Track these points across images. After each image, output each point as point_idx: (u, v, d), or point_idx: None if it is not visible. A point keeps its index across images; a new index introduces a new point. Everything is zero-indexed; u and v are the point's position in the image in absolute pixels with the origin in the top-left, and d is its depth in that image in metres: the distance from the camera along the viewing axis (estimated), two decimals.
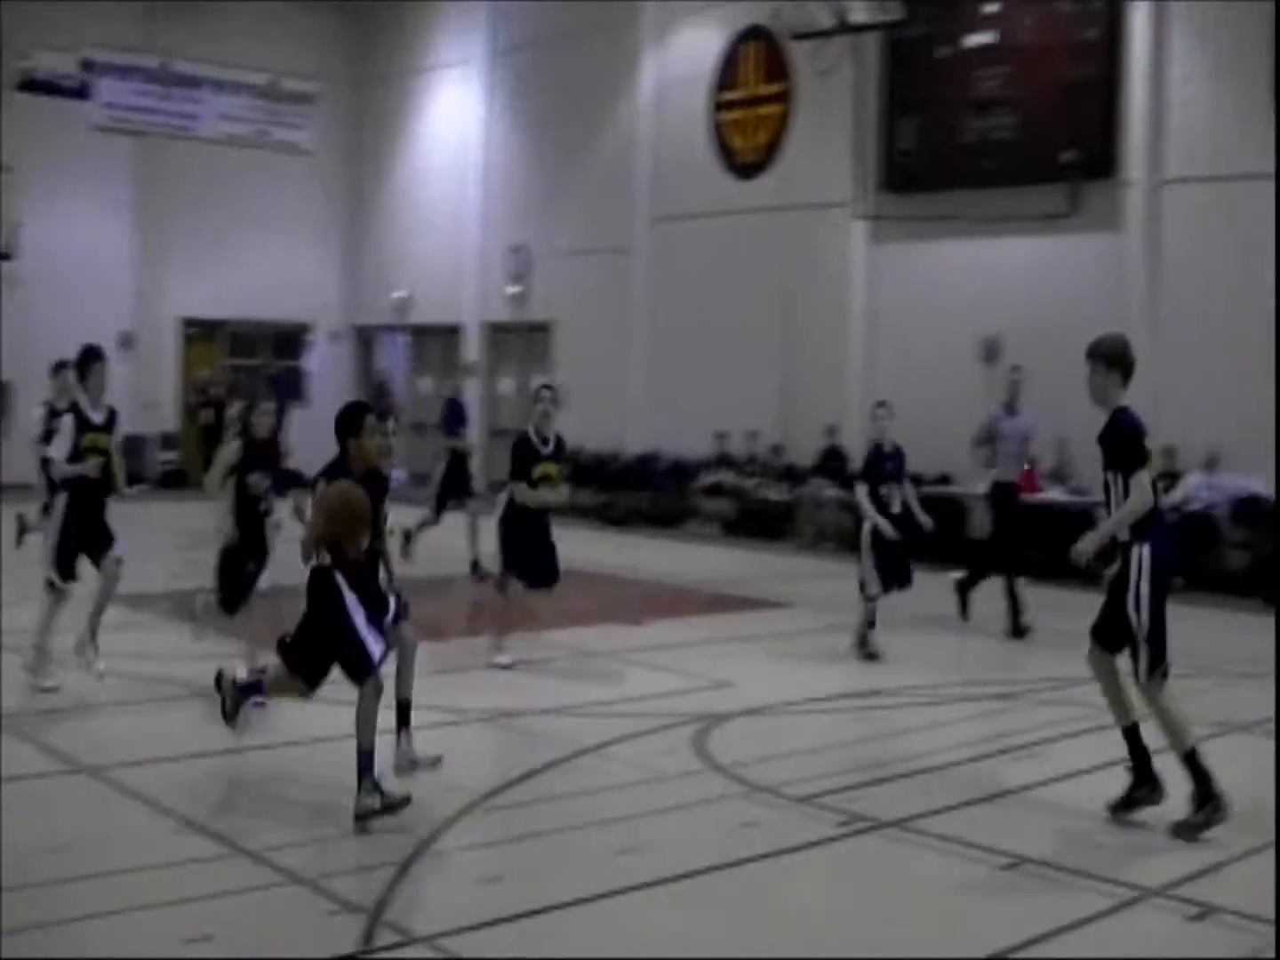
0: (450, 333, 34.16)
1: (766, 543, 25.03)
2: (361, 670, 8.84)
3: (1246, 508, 20.14)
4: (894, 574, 14.85)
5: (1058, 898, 8.03)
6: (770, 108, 27.37)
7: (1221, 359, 21.01)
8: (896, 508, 14.92)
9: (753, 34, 27.48)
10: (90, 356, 12.53)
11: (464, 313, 33.62)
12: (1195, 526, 20.52)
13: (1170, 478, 21.10)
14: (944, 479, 23.74)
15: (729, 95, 28.15)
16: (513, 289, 32.28)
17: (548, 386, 14.66)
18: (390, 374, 36.57)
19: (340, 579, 8.93)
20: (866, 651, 14.73)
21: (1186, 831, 8.95)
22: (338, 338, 36.62)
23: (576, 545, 17.15)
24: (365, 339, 37.33)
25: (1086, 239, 22.87)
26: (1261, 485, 19.34)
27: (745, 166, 27.84)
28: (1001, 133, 23.74)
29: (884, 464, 15.02)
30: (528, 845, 8.78)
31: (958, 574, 17.40)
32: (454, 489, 20.24)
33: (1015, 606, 16.55)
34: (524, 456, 13.97)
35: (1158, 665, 9.15)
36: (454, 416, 20.71)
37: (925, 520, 15.28)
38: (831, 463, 25.32)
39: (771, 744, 11.25)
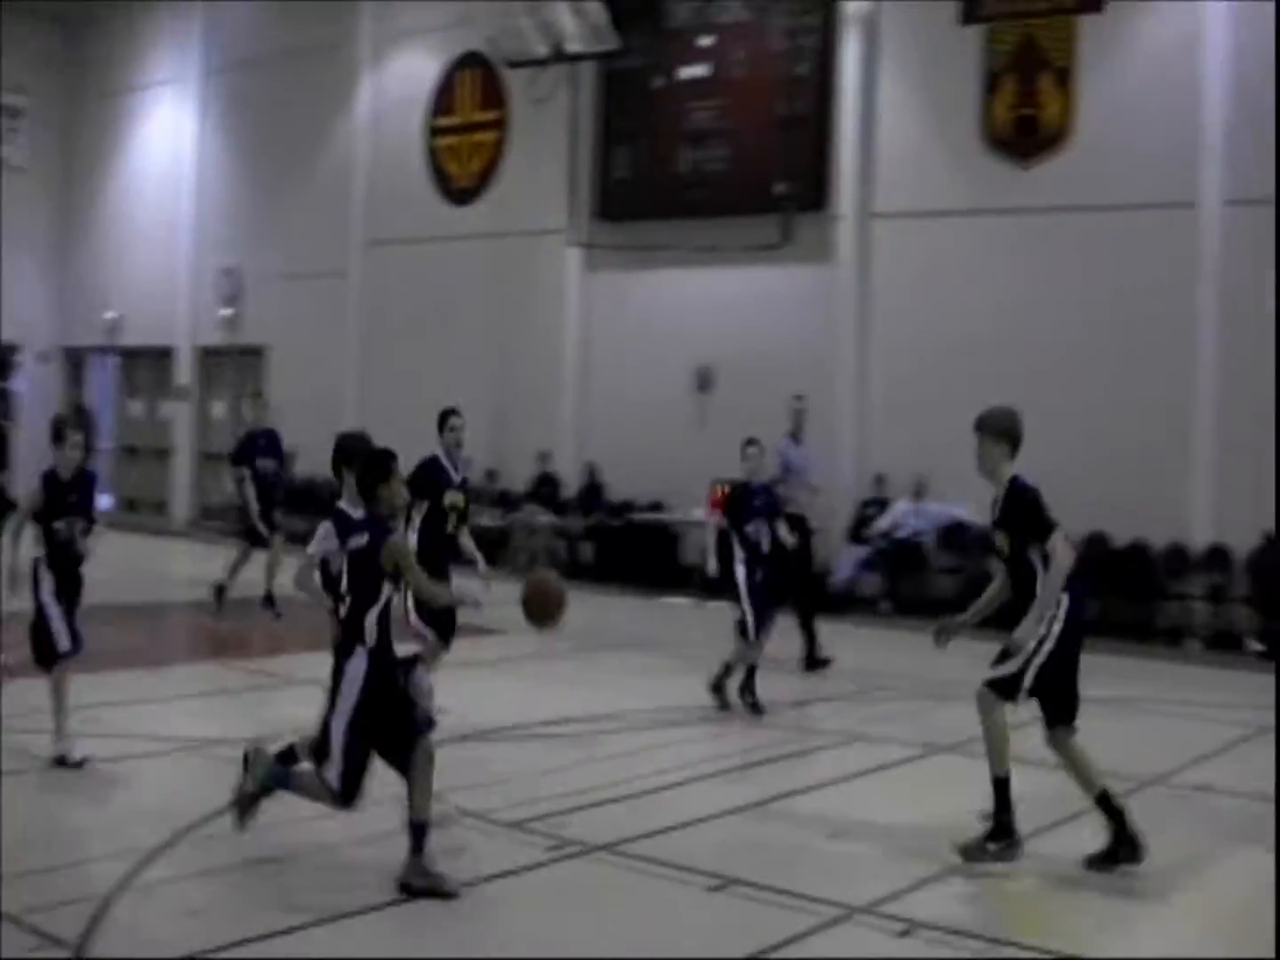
0: (162, 355, 32.90)
1: None
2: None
3: (953, 533, 20.35)
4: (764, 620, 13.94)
5: (765, 917, 7.93)
6: (485, 134, 26.93)
7: (927, 388, 21.10)
8: (766, 547, 14.04)
9: (469, 60, 27.00)
10: None
11: (176, 335, 32.40)
12: (903, 553, 20.68)
13: (879, 505, 21.23)
14: (656, 506, 23.62)
15: (444, 121, 27.61)
16: (225, 311, 31.20)
17: (455, 412, 13.26)
18: (96, 396, 35.21)
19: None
20: (750, 702, 13.61)
21: (971, 853, 8.81)
22: (46, 358, 34.96)
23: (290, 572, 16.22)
24: (75, 360, 35.73)
25: (799, 270, 22.85)
26: (966, 512, 19.43)
27: (460, 192, 27.34)
28: (715, 164, 23.70)
29: (752, 501, 14.22)
30: (233, 875, 8.33)
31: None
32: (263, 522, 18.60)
33: (811, 639, 16.17)
34: (434, 480, 12.71)
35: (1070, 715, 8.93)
36: (259, 448, 18.89)
37: (789, 539, 14.64)
38: (544, 488, 24.98)
39: (482, 770, 10.93)
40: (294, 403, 28.38)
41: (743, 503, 14.24)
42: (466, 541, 12.92)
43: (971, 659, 13.01)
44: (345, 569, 8.33)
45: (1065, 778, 9.08)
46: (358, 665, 8.05)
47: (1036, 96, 21.10)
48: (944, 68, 21.83)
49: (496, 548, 24.93)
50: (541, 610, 8.82)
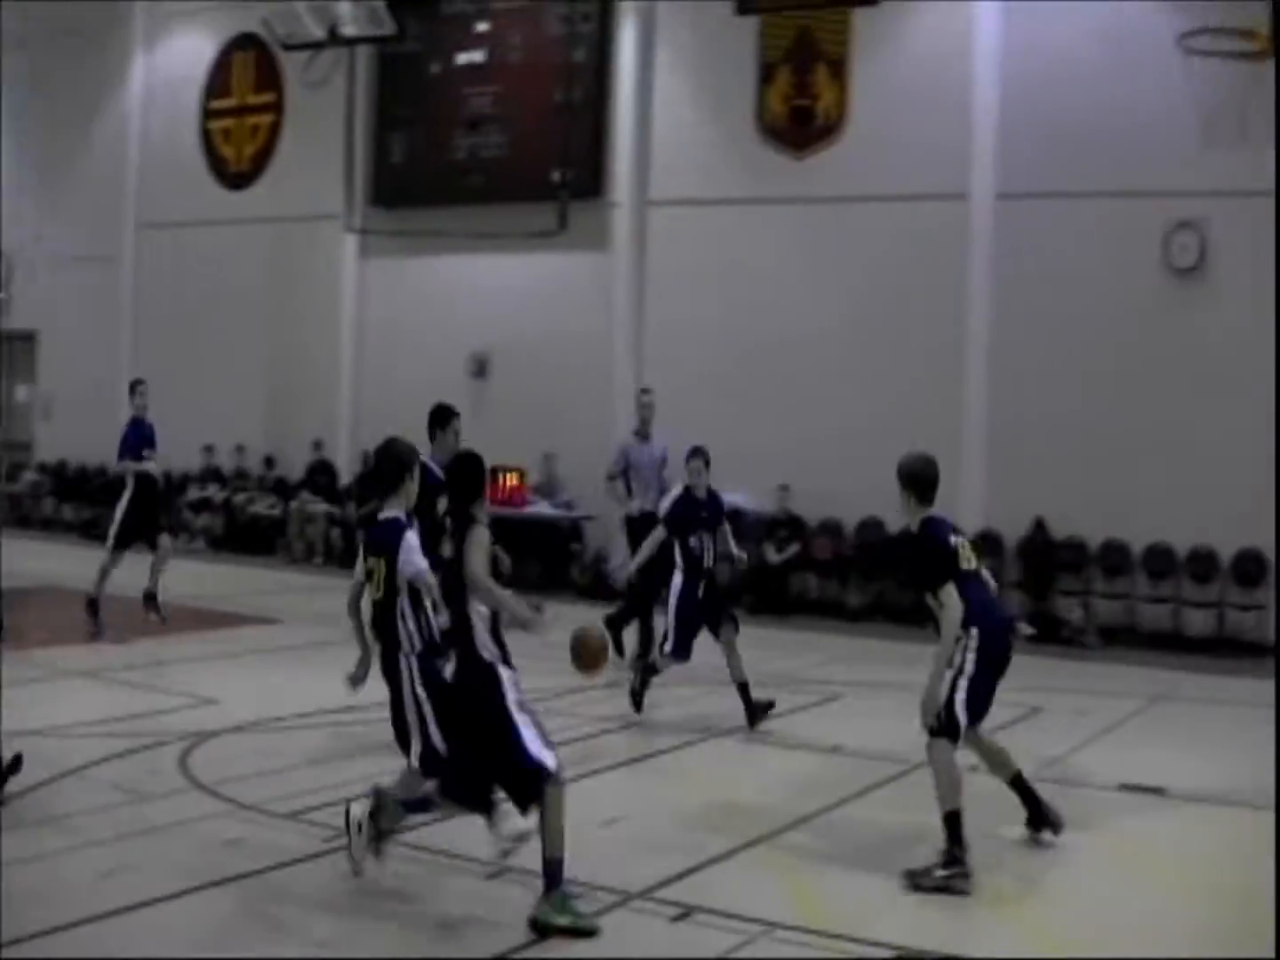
0: None
1: (256, 557, 24.02)
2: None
3: (730, 520, 20.03)
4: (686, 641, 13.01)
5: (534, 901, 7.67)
6: (260, 117, 26.09)
7: (703, 375, 20.90)
8: (709, 560, 13.25)
9: (244, 42, 26.09)
10: None
11: None
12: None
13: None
14: None
15: (219, 103, 26.67)
16: None
17: (454, 413, 12.04)
18: None
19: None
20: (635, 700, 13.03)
21: (919, 878, 8.41)
22: None
23: (61, 562, 16.68)
24: None
25: (576, 257, 22.44)
26: (742, 499, 19.23)
27: (236, 176, 26.43)
28: (492, 150, 23.19)
29: (697, 512, 13.32)
30: (6, 873, 7.85)
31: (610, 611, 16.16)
32: (141, 524, 16.49)
33: (648, 637, 15.53)
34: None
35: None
36: (139, 438, 16.83)
37: (740, 555, 14.06)
38: (320, 477, 24.31)
39: (258, 761, 10.64)
40: (66, 390, 27.53)
41: (684, 513, 13.35)
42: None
43: (744, 645, 13.06)
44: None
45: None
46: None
47: (811, 88, 20.99)
48: (720, 57, 21.59)
49: (273, 536, 24.44)
50: (590, 661, 8.66)
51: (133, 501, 16.39)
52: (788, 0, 21.15)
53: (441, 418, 11.73)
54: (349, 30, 23.26)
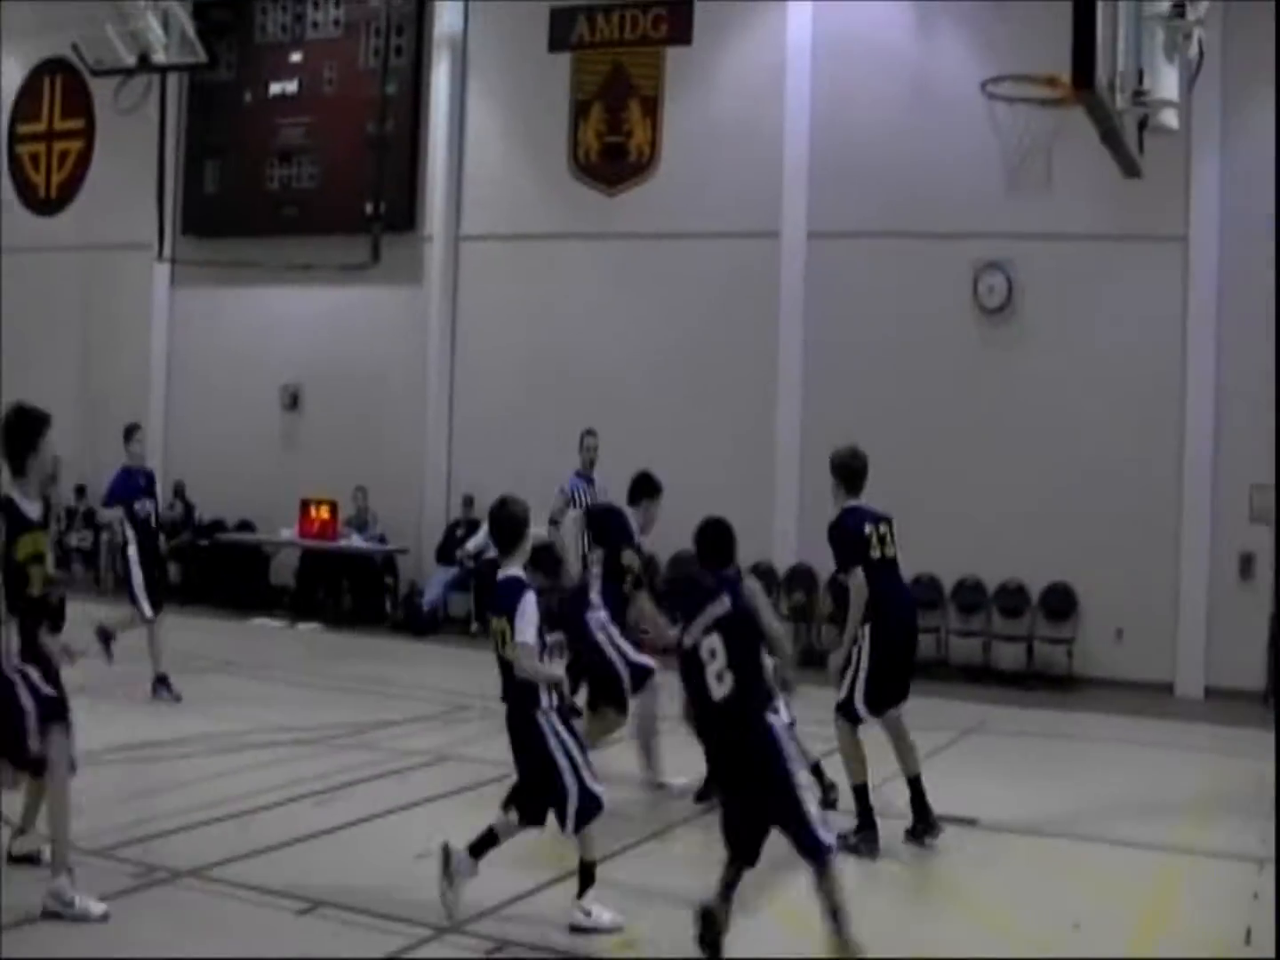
0: None
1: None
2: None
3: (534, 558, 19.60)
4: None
5: (354, 940, 7.60)
6: (70, 143, 24.90)
7: (515, 409, 20.50)
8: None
9: (54, 66, 24.90)
10: None
11: None
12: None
13: (468, 526, 20.39)
14: (245, 526, 22.33)
15: (28, 128, 25.39)
16: None
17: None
18: None
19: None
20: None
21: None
22: None
23: None
24: None
25: (389, 290, 21.74)
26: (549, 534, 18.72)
27: (44, 202, 25.27)
28: (305, 182, 22.36)
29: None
30: None
31: None
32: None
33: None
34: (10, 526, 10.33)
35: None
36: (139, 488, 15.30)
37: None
38: None
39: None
40: None
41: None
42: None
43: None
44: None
45: None
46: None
47: (624, 125, 20.59)
48: (534, 93, 21.08)
49: (86, 568, 23.47)
50: None
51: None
52: (601, 38, 20.77)
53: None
54: (160, 58, 22.33)
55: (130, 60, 22.33)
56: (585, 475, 15.03)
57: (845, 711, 9.67)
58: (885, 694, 9.70)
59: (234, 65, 22.98)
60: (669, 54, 20.40)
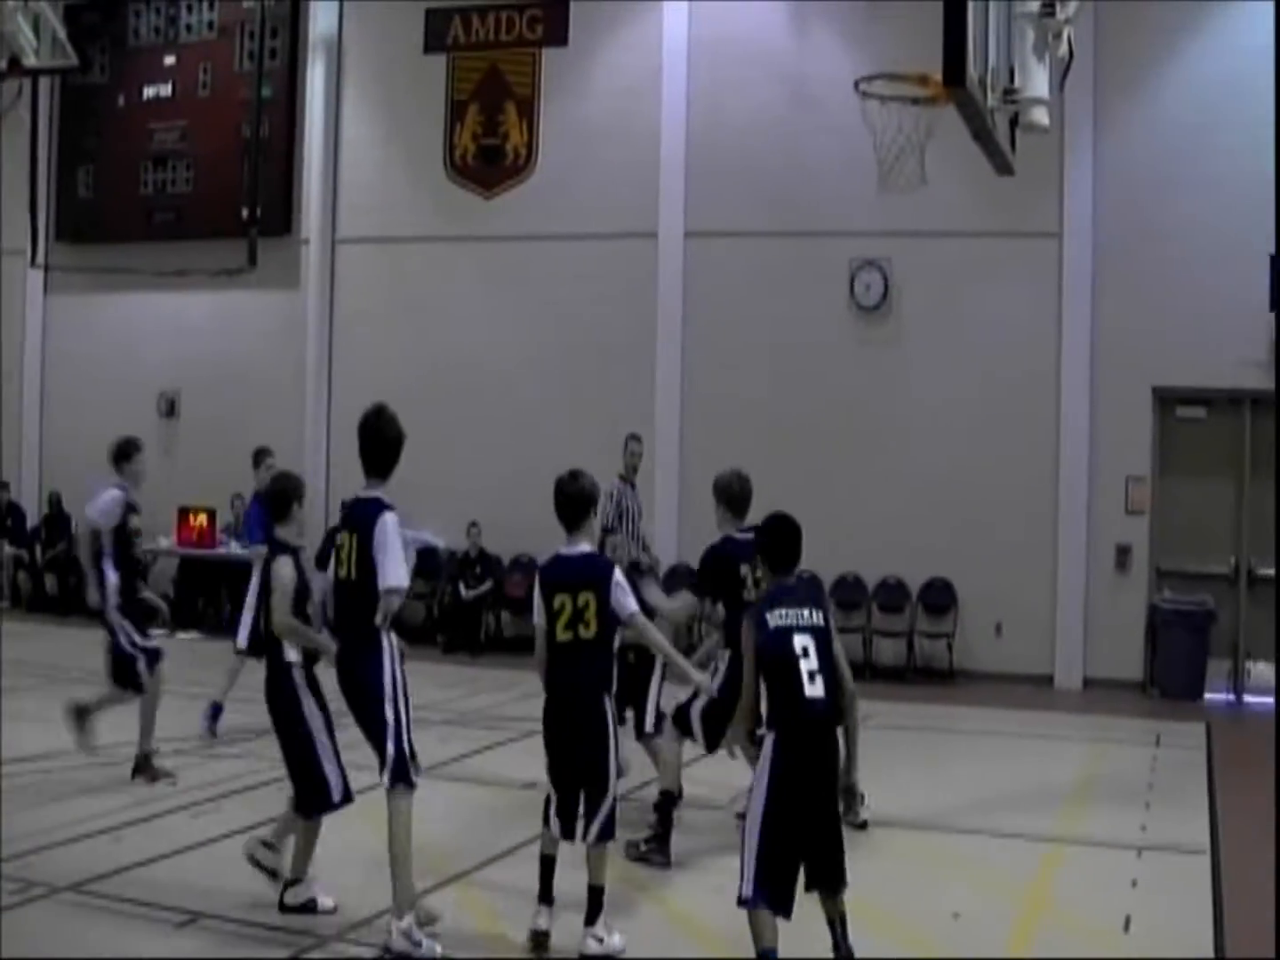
0: None
1: None
2: None
3: (422, 558, 19.36)
4: None
5: (235, 951, 7.43)
6: None
7: (395, 411, 20.09)
8: None
9: None
10: None
11: None
12: None
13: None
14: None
15: None
16: None
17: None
18: None
19: None
20: None
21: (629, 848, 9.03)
22: None
23: None
24: None
25: (267, 295, 21.22)
26: (431, 535, 18.49)
27: None
28: (180, 186, 21.80)
29: None
30: None
31: None
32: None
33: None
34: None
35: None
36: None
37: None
38: (7, 519, 22.75)
39: None
40: None
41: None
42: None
43: (438, 684, 12.53)
44: None
45: None
46: None
47: (500, 126, 20.28)
48: (410, 95, 20.67)
49: None
50: None
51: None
52: (476, 39, 20.49)
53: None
54: (30, 61, 21.79)
55: (0, 64, 21.85)
56: (629, 481, 14.74)
57: (679, 721, 9.52)
58: (722, 729, 8.61)
59: (107, 69, 22.38)
60: (545, 55, 20.13)
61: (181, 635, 19.81)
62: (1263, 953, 7.70)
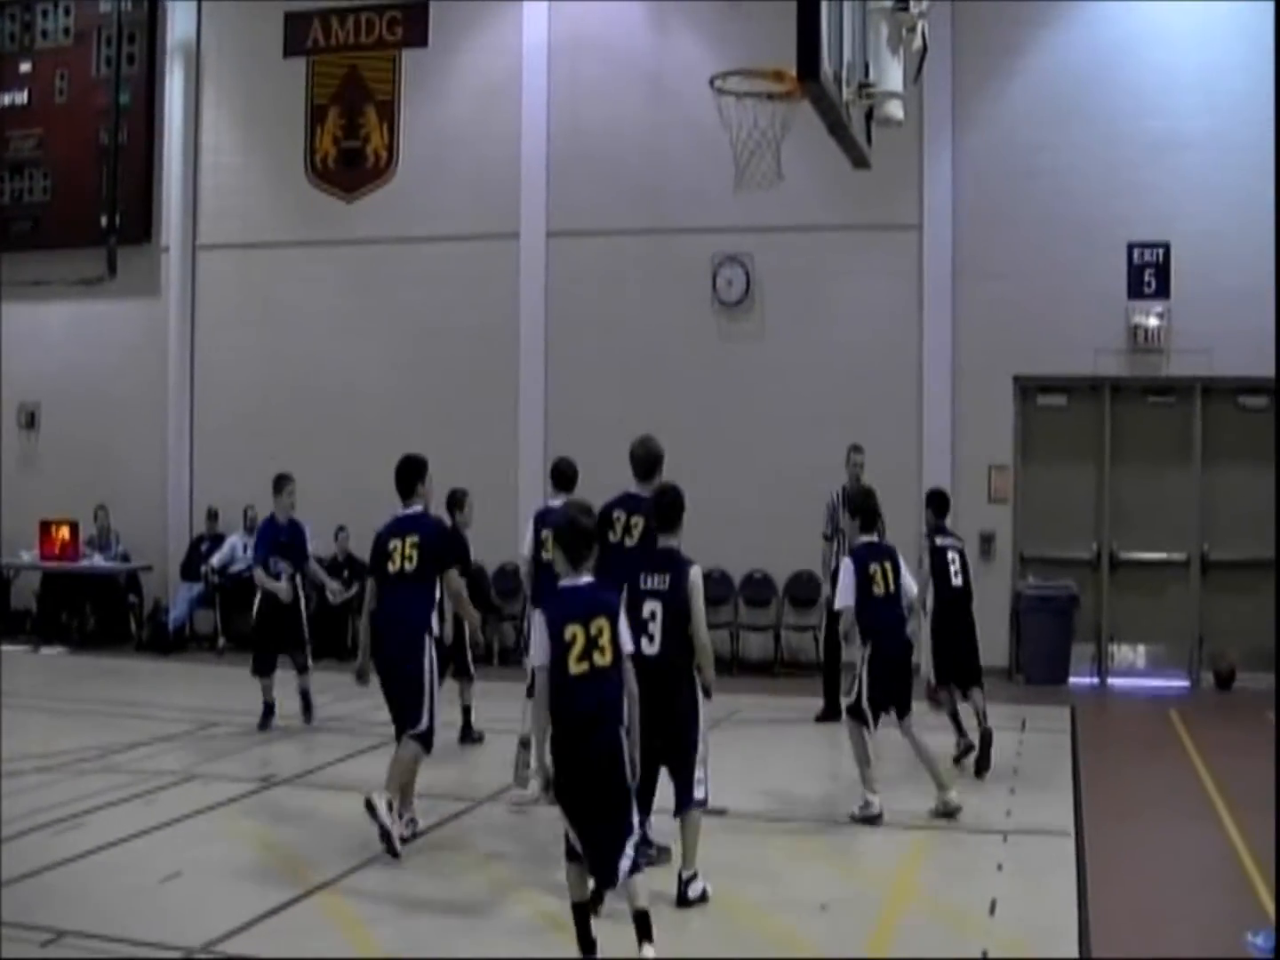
0: None
1: None
2: None
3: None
4: None
5: None
6: None
7: (257, 420, 19.74)
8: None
9: None
10: None
11: None
12: (239, 588, 19.05)
13: (213, 540, 19.72)
14: None
15: None
16: None
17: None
18: None
19: None
20: None
21: None
22: None
23: None
24: None
25: (128, 304, 20.62)
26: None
27: None
28: (37, 195, 21.08)
29: None
30: None
31: None
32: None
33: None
34: None
35: None
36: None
37: None
38: None
39: None
40: None
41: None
42: None
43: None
44: None
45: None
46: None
47: (360, 129, 19.84)
48: (269, 99, 20.12)
49: None
50: None
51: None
52: (336, 42, 20.11)
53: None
54: None
55: None
56: (850, 488, 14.50)
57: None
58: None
59: None
60: (405, 57, 19.73)
61: (46, 650, 19.41)
62: (1125, 931, 7.60)
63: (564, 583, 7.22)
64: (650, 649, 8.10)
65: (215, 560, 19.14)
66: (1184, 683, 17.43)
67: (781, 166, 13.08)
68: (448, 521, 12.08)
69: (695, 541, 17.98)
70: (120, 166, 20.55)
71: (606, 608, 7.13)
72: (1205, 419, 17.52)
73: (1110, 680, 17.55)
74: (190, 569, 19.59)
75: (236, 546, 18.97)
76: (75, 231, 20.72)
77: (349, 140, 19.98)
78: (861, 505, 10.61)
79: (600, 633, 7.04)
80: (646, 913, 6.89)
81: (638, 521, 9.36)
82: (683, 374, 18.48)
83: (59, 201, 21.09)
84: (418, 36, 19.79)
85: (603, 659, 7.01)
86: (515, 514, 16.83)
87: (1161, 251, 17.31)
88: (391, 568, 9.50)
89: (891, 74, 10.95)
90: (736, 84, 13.50)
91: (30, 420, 21.20)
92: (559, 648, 6.98)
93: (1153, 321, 17.26)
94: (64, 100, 21.26)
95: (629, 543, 9.38)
